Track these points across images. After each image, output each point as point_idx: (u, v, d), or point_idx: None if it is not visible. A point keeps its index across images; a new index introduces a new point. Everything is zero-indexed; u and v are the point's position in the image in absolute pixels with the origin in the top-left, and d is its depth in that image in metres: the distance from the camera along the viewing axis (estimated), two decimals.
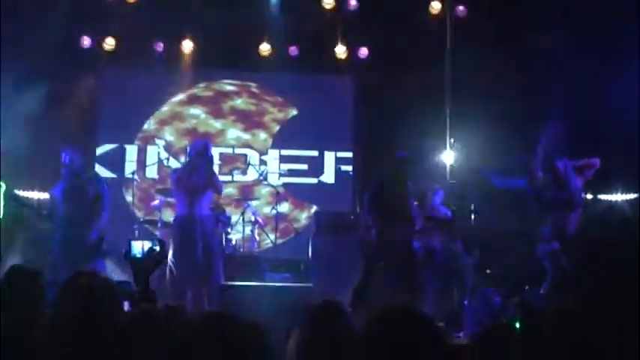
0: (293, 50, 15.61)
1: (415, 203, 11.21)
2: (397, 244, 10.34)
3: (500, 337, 5.09)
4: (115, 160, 15.63)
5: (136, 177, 14.23)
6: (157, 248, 4.71)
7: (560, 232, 10.51)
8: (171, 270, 10.01)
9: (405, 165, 10.69)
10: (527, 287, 11.76)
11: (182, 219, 10.33)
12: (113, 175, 15.38)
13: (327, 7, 14.47)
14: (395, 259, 10.28)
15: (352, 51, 15.34)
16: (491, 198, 13.81)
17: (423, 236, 11.63)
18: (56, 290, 4.43)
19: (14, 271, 5.43)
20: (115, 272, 10.20)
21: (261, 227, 14.13)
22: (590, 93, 13.21)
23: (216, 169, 14.97)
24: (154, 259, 4.70)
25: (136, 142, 15.86)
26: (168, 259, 9.83)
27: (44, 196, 13.60)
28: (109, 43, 14.92)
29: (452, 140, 14.20)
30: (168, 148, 15.89)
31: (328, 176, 15.97)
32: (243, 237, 13.87)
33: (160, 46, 15.38)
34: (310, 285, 10.24)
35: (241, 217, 13.90)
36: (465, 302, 11.07)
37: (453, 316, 10.63)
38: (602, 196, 14.20)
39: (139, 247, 4.72)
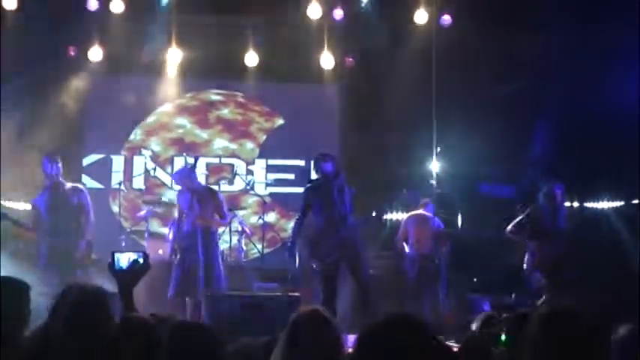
0: (279, 60, 15.60)
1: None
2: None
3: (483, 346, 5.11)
4: (102, 171, 15.60)
5: (122, 187, 14.18)
6: (141, 260, 4.71)
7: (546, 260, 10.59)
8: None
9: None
10: (513, 295, 11.80)
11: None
12: (100, 186, 15.35)
13: (313, 16, 14.46)
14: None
15: (338, 60, 15.34)
16: (478, 205, 13.86)
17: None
18: (48, 302, 4.43)
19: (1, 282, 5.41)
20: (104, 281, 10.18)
21: (249, 237, 14.10)
22: (577, 100, 13.25)
23: (202, 179, 15.07)
24: (137, 271, 4.70)
25: (123, 152, 15.84)
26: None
27: (28, 206, 13.60)
28: (95, 52, 14.87)
29: (438, 149, 14.23)
30: (154, 158, 15.87)
31: None
32: (230, 247, 13.85)
33: (145, 56, 15.35)
34: (298, 294, 10.22)
35: (228, 227, 13.87)
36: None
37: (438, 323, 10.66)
38: (589, 204, 14.25)
39: (122, 259, 4.72)
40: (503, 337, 4.84)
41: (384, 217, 14.23)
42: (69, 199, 10.83)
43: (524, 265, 10.86)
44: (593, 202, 14.30)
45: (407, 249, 12.68)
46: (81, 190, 11.13)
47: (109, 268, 4.67)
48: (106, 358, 3.91)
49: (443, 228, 12.82)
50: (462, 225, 14.15)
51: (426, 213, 12.73)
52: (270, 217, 15.27)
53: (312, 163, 10.60)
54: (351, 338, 3.30)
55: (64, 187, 10.90)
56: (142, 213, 13.65)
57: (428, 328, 2.97)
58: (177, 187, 15.26)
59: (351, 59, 15.62)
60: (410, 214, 12.98)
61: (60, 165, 10.90)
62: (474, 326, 6.99)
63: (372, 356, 2.89)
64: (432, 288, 12.20)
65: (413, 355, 2.84)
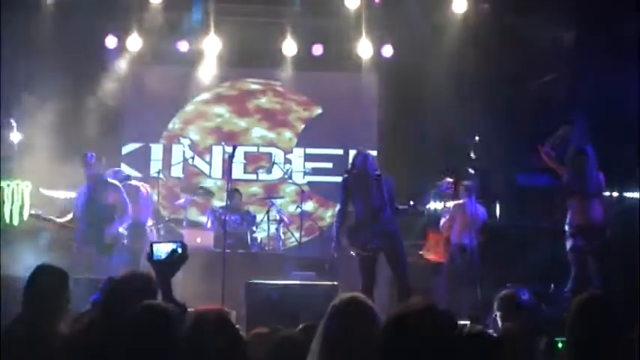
0: (317, 48, 15.59)
1: None
2: None
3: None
4: (141, 159, 15.69)
5: (161, 176, 14.23)
6: (180, 250, 4.72)
7: (583, 221, 10.37)
8: None
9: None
10: (552, 285, 11.71)
11: None
12: (139, 174, 15.43)
13: (352, 4, 14.42)
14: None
15: (377, 48, 15.29)
16: (516, 195, 13.78)
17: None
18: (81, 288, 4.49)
19: (41, 269, 5.47)
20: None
21: (286, 226, 14.13)
22: (613, 90, 13.13)
23: (241, 167, 15.11)
24: (175, 261, 4.71)
25: (161, 141, 15.93)
26: None
27: (69, 195, 13.69)
28: (134, 42, 14.94)
29: (477, 138, 14.16)
30: (193, 147, 15.93)
31: None
32: (268, 235, 13.89)
33: (184, 45, 15.40)
34: (336, 283, 10.20)
35: (266, 216, 13.90)
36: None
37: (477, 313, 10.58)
38: (628, 194, 14.10)
39: (161, 249, 4.73)
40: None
41: (423, 206, 14.14)
42: (104, 198, 10.90)
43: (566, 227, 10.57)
44: (632, 192, 14.14)
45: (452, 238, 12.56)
46: (117, 188, 11.13)
47: (147, 259, 4.69)
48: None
49: (484, 218, 12.71)
50: (500, 215, 14.08)
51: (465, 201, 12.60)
52: (308, 205, 15.28)
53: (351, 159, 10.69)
54: None
55: (101, 186, 10.95)
56: (181, 201, 13.71)
57: (451, 318, 2.96)
58: (216, 176, 15.43)
59: (389, 47, 15.53)
60: (456, 202, 12.76)
61: (96, 161, 10.95)
62: (495, 308, 7.00)
63: (397, 344, 2.89)
64: (472, 277, 12.12)
65: (435, 343, 2.84)
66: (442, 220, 12.67)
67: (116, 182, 11.24)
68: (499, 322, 6.87)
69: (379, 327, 3.30)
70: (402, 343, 2.86)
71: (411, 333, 2.85)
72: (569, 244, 10.34)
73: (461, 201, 12.40)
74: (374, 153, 15.57)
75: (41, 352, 4.90)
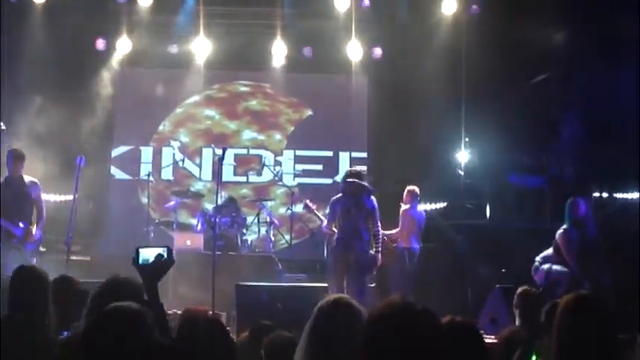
0: (307, 51, 15.61)
1: None
2: None
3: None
4: (131, 162, 15.66)
5: (151, 178, 14.21)
6: (165, 255, 4.68)
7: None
8: None
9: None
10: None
11: None
12: (129, 177, 15.43)
13: (341, 7, 14.44)
14: None
15: (367, 50, 15.31)
16: (507, 196, 13.82)
17: None
18: None
19: (21, 271, 5.50)
20: None
21: (277, 228, 14.13)
22: (604, 91, 13.16)
23: (231, 170, 15.13)
24: (161, 266, 4.67)
25: (151, 143, 15.91)
26: None
27: (58, 198, 13.70)
28: (124, 44, 14.94)
29: (466, 139, 14.21)
30: (183, 149, 15.92)
31: None
32: (258, 237, 13.90)
33: (174, 48, 15.41)
34: (326, 285, 10.21)
35: (256, 218, 13.90)
36: None
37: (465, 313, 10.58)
38: (618, 195, 14.14)
39: (147, 253, 4.69)
40: (534, 357, 4.85)
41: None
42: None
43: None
44: (623, 192, 14.18)
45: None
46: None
47: (133, 263, 4.66)
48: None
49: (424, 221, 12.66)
50: (490, 215, 14.11)
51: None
52: (299, 207, 15.26)
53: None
54: None
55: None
56: (171, 204, 13.70)
57: (432, 315, 2.96)
58: (207, 178, 15.43)
59: (379, 49, 15.55)
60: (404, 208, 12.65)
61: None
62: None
63: (377, 343, 2.90)
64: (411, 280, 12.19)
65: (416, 341, 2.85)
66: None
67: None
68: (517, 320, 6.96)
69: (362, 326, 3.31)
70: (382, 342, 2.86)
71: (391, 331, 2.86)
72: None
73: (407, 206, 12.39)
74: (364, 155, 15.65)
75: (26, 355, 4.90)
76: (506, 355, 5.16)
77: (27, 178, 10.76)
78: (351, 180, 10.51)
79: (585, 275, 9.77)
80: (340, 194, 10.56)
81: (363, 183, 10.54)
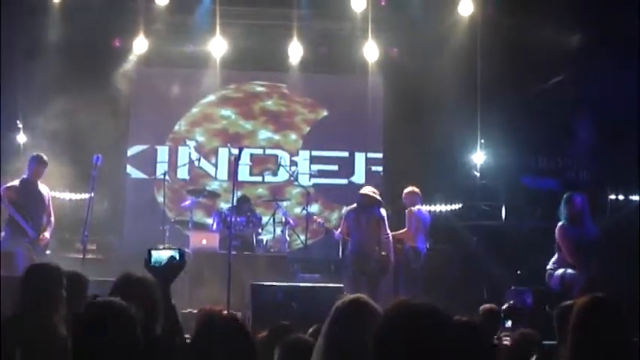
0: (323, 51, 15.62)
1: None
2: None
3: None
4: (147, 161, 15.70)
5: (167, 178, 14.23)
6: (177, 257, 4.68)
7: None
8: None
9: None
10: None
11: None
12: (145, 176, 15.46)
13: (358, 7, 14.43)
14: None
15: (383, 51, 15.29)
16: (522, 197, 13.79)
17: None
18: None
19: (34, 268, 5.54)
20: None
21: (292, 228, 14.12)
22: (619, 93, 13.12)
23: (247, 170, 15.16)
24: (173, 268, 4.67)
25: (167, 143, 15.94)
26: None
27: (74, 196, 13.76)
28: (140, 44, 14.97)
29: (482, 141, 14.19)
30: (198, 148, 15.95)
31: (359, 177, 15.96)
32: (274, 237, 13.89)
33: (190, 48, 15.44)
34: (341, 285, 10.22)
35: (272, 218, 13.90)
36: None
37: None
38: (634, 197, 14.09)
39: (159, 255, 4.69)
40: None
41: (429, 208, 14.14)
42: None
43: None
44: (639, 195, 14.12)
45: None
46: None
47: (145, 265, 4.65)
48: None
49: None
50: (506, 216, 14.08)
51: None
52: (314, 208, 15.26)
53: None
54: None
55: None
56: (187, 203, 13.72)
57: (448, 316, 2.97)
58: (222, 177, 15.45)
59: (395, 50, 15.55)
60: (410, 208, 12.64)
61: None
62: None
63: (389, 343, 2.90)
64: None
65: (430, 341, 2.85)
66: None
67: None
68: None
69: None
70: (394, 344, 2.87)
71: (402, 332, 2.87)
72: None
73: (414, 208, 12.37)
74: (379, 155, 15.65)
75: (38, 352, 4.92)
76: (519, 357, 5.16)
77: (40, 184, 10.86)
78: (363, 192, 11.47)
79: (586, 272, 9.74)
80: (354, 205, 11.52)
81: (375, 196, 11.33)
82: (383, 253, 11.21)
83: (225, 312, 7.99)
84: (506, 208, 14.11)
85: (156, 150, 15.88)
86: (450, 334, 2.95)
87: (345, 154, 16.05)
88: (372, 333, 2.98)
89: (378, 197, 11.36)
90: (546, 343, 5.93)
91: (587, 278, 9.68)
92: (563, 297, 8.82)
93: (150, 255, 4.63)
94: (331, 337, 3.52)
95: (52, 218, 10.94)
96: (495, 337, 6.78)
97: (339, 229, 11.72)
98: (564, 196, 10.12)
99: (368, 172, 15.93)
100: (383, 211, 11.34)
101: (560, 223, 9.97)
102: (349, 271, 11.28)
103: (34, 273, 5.45)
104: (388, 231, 11.33)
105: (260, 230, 13.50)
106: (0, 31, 12.71)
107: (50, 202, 10.97)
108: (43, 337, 5.00)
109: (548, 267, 10.10)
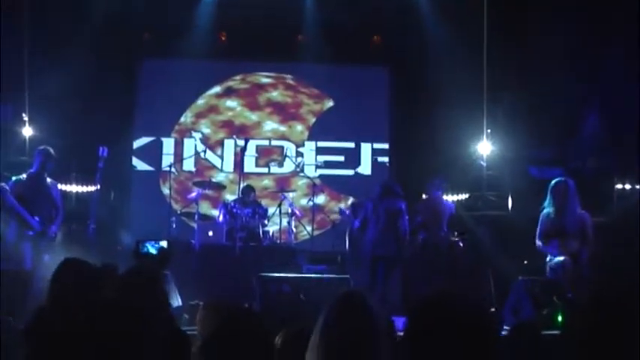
0: (329, 41, 15.60)
1: None
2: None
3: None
4: (152, 153, 15.71)
5: (173, 170, 14.23)
6: (165, 250, 4.69)
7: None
8: None
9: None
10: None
11: None
12: (151, 168, 15.47)
13: None
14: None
15: (388, 42, 15.26)
16: (528, 187, 13.74)
17: None
18: None
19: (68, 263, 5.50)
20: None
21: (298, 219, 14.10)
22: (625, 83, 13.08)
23: (253, 161, 15.14)
24: (160, 259, 4.68)
25: (173, 134, 15.94)
26: None
27: (81, 189, 13.76)
28: (146, 36, 14.95)
29: (488, 131, 14.16)
30: (204, 140, 15.95)
31: (365, 168, 15.96)
32: (280, 229, 13.86)
33: (195, 39, 15.42)
34: (347, 277, 10.22)
35: (278, 209, 13.88)
36: None
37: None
38: None
39: (147, 246, 4.70)
40: (560, 317, 4.84)
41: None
42: None
43: None
44: None
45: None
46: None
47: (133, 255, 4.66)
48: None
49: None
50: (512, 207, 14.06)
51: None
52: (320, 199, 15.23)
53: None
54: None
55: None
56: (193, 195, 13.72)
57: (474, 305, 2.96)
58: (228, 169, 15.45)
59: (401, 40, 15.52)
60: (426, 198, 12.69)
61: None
62: None
63: (422, 332, 2.90)
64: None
65: (460, 329, 2.85)
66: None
67: None
68: None
69: (373, 322, 3.34)
70: (426, 335, 2.88)
71: (433, 322, 2.87)
72: None
73: (428, 196, 12.39)
74: (385, 146, 15.64)
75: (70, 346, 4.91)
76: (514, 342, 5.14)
77: (48, 178, 10.82)
78: (384, 184, 11.76)
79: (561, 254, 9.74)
80: (375, 196, 11.55)
81: (395, 189, 11.52)
82: (397, 246, 11.31)
83: (243, 307, 8.00)
84: (512, 198, 14.08)
85: (162, 142, 15.88)
86: (486, 323, 2.96)
87: (351, 144, 16.03)
88: (368, 327, 2.98)
89: (399, 191, 11.48)
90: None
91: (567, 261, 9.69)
92: (554, 287, 8.92)
93: (138, 246, 4.67)
94: (326, 329, 3.51)
95: (62, 211, 10.90)
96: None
97: (359, 219, 11.82)
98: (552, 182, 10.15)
99: (374, 162, 15.91)
100: (403, 204, 11.42)
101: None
102: (366, 259, 11.39)
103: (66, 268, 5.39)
104: (407, 223, 11.41)
105: (266, 221, 13.50)
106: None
107: (59, 195, 10.94)
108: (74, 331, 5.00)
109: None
